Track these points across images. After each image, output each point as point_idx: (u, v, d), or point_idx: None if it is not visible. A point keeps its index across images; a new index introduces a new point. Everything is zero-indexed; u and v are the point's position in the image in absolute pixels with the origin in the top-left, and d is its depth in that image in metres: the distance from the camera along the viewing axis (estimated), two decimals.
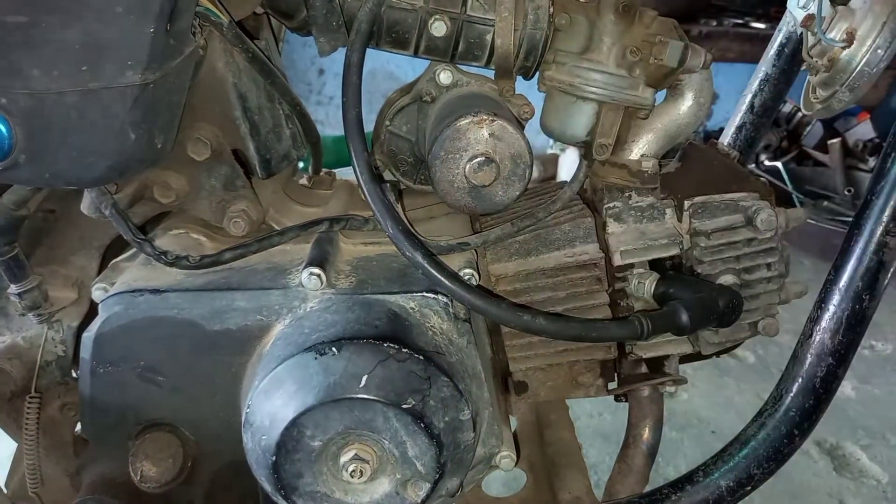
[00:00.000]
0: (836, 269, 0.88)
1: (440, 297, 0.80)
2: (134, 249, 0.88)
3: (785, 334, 1.04)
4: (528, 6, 0.82)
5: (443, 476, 0.73)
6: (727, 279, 0.90)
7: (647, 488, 1.00)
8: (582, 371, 0.95)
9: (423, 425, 0.70)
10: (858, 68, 0.89)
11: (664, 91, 0.90)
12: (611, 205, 0.91)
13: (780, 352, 2.70)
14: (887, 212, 0.84)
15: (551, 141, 3.72)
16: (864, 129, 3.47)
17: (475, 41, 0.84)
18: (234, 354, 0.79)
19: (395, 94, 0.95)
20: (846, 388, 2.58)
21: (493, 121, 0.78)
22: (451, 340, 0.80)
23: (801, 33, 1.00)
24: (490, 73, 0.89)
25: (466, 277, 0.82)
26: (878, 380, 2.64)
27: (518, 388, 0.95)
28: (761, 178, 0.97)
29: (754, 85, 1.27)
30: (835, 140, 3.49)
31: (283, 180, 0.99)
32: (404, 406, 0.70)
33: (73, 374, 0.96)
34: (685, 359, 0.99)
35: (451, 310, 0.80)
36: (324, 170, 1.11)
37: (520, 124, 0.87)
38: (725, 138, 1.32)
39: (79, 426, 0.96)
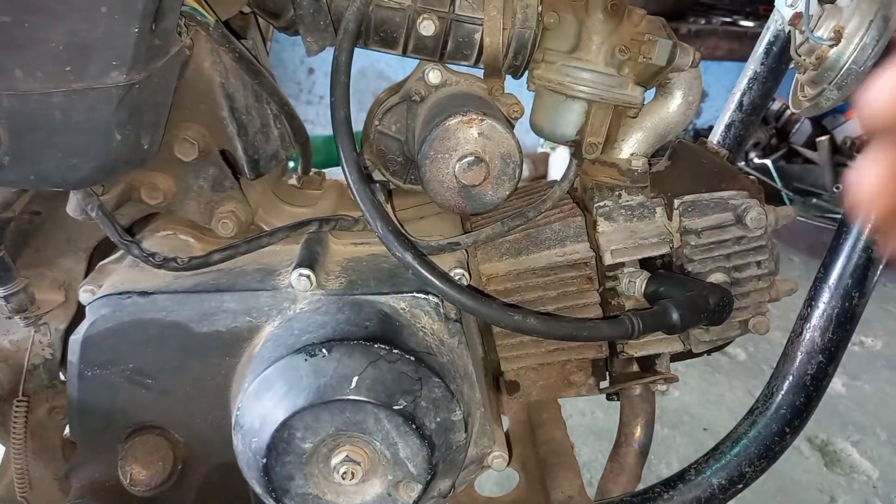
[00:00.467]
0: (826, 267, 0.89)
1: (431, 297, 0.80)
2: (121, 251, 0.87)
3: (776, 332, 1.04)
4: (516, 5, 0.82)
5: (435, 477, 0.73)
6: (717, 277, 0.90)
7: (640, 486, 1.00)
8: (573, 370, 0.95)
9: (414, 426, 0.70)
10: (846, 66, 0.89)
11: (653, 90, 0.90)
12: (601, 204, 0.91)
13: (770, 349, 2.72)
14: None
15: (541, 140, 3.73)
16: (852, 127, 3.49)
17: (464, 40, 0.84)
18: (224, 356, 0.78)
19: (384, 94, 0.95)
20: (836, 384, 2.59)
21: (482, 120, 0.78)
22: (442, 341, 0.80)
23: (789, 31, 1.00)
24: (479, 73, 0.89)
25: (457, 277, 0.82)
26: (868, 376, 2.66)
27: (510, 388, 0.95)
28: (750, 176, 0.97)
29: (743, 83, 1.28)
30: (823, 137, 3.51)
31: (272, 181, 0.99)
32: (395, 407, 0.70)
33: (61, 378, 0.95)
34: (676, 357, 0.99)
35: (441, 310, 0.80)
36: (313, 170, 1.10)
37: (509, 123, 0.87)
38: (714, 136, 1.32)
39: (67, 430, 0.95)
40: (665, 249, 0.90)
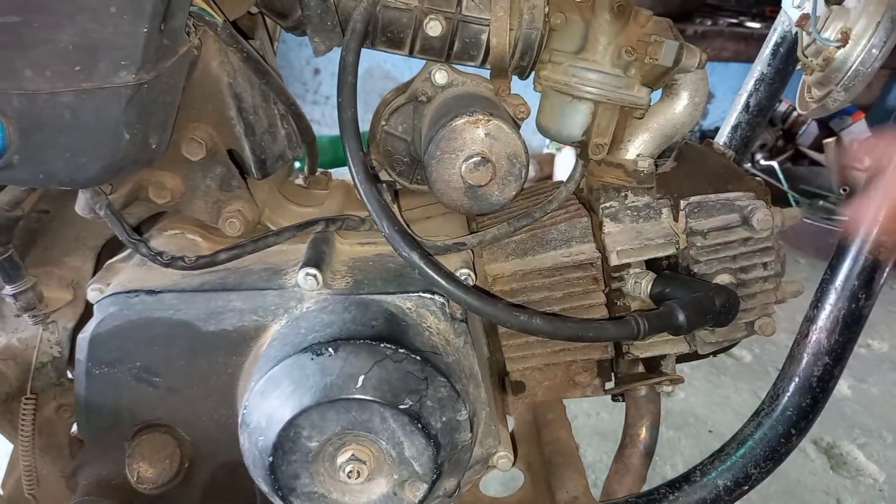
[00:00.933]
0: (832, 269, 0.89)
1: (437, 297, 0.80)
2: (129, 250, 0.87)
3: (782, 333, 1.04)
4: (523, 6, 0.82)
5: (440, 476, 0.73)
6: (723, 279, 0.90)
7: (645, 488, 1.00)
8: (579, 371, 0.95)
9: (420, 426, 0.70)
10: (853, 68, 0.89)
11: (660, 91, 0.90)
12: (607, 204, 0.91)
13: (776, 351, 2.71)
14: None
15: (547, 140, 3.73)
16: (859, 129, 3.49)
17: (471, 41, 0.84)
18: (231, 355, 0.78)
19: (390, 94, 0.95)
20: (843, 386, 2.59)
21: (488, 120, 0.78)
22: (447, 341, 0.80)
23: (796, 33, 1.00)
24: (486, 73, 0.89)
25: (463, 277, 0.82)
26: (875, 378, 2.65)
27: (515, 388, 0.95)
28: (757, 178, 0.97)
29: (749, 84, 1.28)
30: (830, 139, 3.50)
31: (279, 180, 0.99)
32: (401, 406, 0.70)
33: (69, 376, 0.95)
34: (682, 358, 0.99)
35: (447, 310, 0.80)
36: (320, 170, 1.11)
37: (516, 124, 0.87)
38: (721, 138, 1.32)
39: (74, 427, 0.96)
40: (671, 250, 0.90)
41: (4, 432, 0.95)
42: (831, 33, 0.92)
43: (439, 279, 0.75)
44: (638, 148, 0.91)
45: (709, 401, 2.48)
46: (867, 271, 0.86)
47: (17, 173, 0.66)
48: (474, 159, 0.79)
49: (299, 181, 1.06)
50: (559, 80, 0.85)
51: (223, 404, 0.79)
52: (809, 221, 3.23)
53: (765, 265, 0.91)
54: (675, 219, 0.91)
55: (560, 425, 1.14)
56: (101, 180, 0.75)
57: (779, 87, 1.27)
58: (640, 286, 0.89)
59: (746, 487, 0.92)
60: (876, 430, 2.37)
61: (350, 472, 0.70)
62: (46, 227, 0.93)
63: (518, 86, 0.90)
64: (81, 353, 0.78)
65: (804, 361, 0.88)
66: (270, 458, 0.70)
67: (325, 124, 4.07)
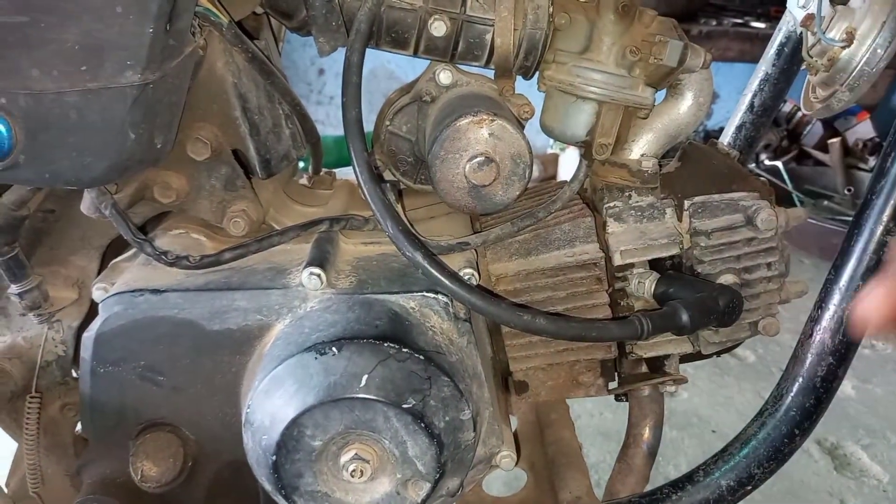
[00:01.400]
0: (837, 269, 0.88)
1: (440, 296, 0.80)
2: (134, 249, 0.88)
3: (785, 333, 1.04)
4: (527, 6, 0.82)
5: (443, 476, 0.73)
6: (727, 279, 0.90)
7: (648, 488, 1.00)
8: (582, 371, 0.95)
9: (423, 425, 0.70)
10: (858, 68, 0.89)
11: (664, 91, 0.90)
12: (611, 204, 0.91)
13: (780, 351, 2.71)
14: (887, 211, 0.84)
15: (551, 140, 3.72)
16: (863, 129, 3.48)
17: (475, 41, 0.84)
18: (235, 354, 0.79)
19: (394, 94, 0.95)
20: (846, 387, 2.58)
21: (492, 120, 0.78)
22: (451, 340, 0.80)
23: (801, 33, 1.00)
24: (490, 73, 0.89)
25: (466, 277, 0.82)
26: (879, 379, 2.65)
27: (518, 388, 0.95)
28: (761, 178, 0.97)
29: (754, 84, 1.27)
30: (835, 139, 3.50)
31: (283, 180, 0.99)
32: (405, 406, 0.70)
33: (74, 374, 0.96)
34: (685, 358, 0.99)
35: (451, 309, 0.80)
36: (324, 170, 1.11)
37: (520, 124, 0.87)
38: (725, 138, 1.32)
39: (79, 426, 0.96)
40: (675, 250, 0.90)
41: (9, 431, 0.96)
42: (836, 33, 0.92)
43: (443, 279, 0.75)
44: (642, 148, 0.91)
45: (712, 401, 2.47)
46: (871, 272, 0.85)
47: (24, 173, 0.67)
48: (478, 159, 0.79)
49: (303, 181, 1.06)
50: (563, 80, 0.85)
51: (227, 403, 0.79)
52: (814, 221, 3.22)
53: (769, 265, 0.91)
54: (679, 219, 0.91)
55: (563, 425, 1.14)
56: (106, 180, 0.75)
57: (783, 88, 1.26)
58: (643, 286, 0.89)
59: (750, 487, 0.92)
60: (880, 430, 2.36)
61: (353, 471, 0.71)
62: (52, 227, 0.93)
63: (522, 86, 0.90)
64: (86, 351, 0.78)
65: (808, 362, 0.88)
66: (274, 457, 0.70)
67: (329, 124, 4.07)
